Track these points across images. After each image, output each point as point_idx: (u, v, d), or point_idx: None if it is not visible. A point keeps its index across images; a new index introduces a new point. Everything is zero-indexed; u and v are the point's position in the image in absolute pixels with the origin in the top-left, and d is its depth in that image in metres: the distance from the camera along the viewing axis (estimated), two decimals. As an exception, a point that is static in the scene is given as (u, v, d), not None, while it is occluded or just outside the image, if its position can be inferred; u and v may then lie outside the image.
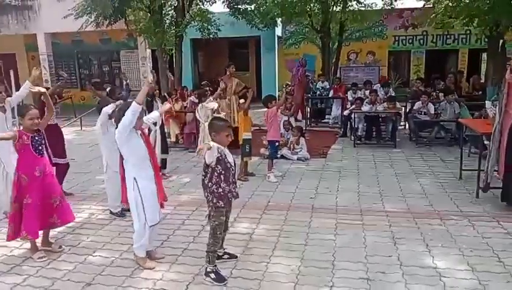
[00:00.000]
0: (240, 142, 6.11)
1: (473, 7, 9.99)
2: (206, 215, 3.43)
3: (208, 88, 8.22)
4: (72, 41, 16.81)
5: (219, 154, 3.23)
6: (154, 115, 4.14)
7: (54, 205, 3.81)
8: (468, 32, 14.95)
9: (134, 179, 3.43)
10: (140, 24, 11.22)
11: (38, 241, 3.85)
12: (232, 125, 7.89)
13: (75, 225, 4.51)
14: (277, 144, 6.17)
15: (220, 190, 3.28)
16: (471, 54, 15.74)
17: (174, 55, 11.41)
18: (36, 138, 3.60)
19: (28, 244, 3.86)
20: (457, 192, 5.41)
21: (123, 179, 3.65)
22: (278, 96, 9.82)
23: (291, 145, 7.39)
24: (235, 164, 3.43)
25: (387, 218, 4.58)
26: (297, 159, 7.19)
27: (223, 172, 3.26)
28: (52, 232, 4.10)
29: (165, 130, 7.16)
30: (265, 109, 6.40)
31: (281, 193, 5.55)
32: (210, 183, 3.29)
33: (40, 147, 3.64)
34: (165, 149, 6.36)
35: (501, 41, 9.66)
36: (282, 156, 7.30)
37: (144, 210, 3.44)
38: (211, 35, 11.68)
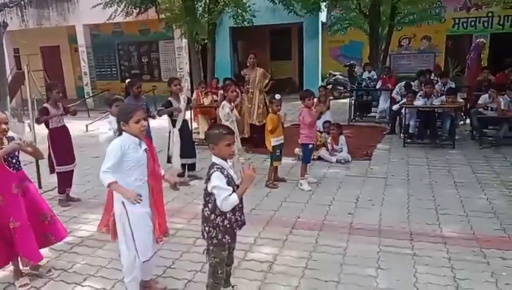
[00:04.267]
0: (269, 146, 5.30)
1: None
2: (204, 250, 2.72)
3: (232, 82, 7.44)
4: (112, 33, 16.70)
5: (226, 179, 2.51)
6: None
7: (46, 222, 3.28)
8: (542, 12, 13.04)
9: (123, 203, 2.74)
10: (172, 12, 10.64)
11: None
12: (251, 122, 7.22)
13: (74, 240, 4.02)
14: (311, 146, 5.30)
15: (226, 222, 2.59)
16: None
17: (207, 44, 10.74)
18: None
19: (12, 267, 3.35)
20: (538, 210, 4.32)
21: (109, 197, 2.99)
22: (321, 86, 8.89)
23: (330, 145, 6.49)
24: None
25: (446, 247, 3.63)
26: (337, 162, 6.29)
27: None
28: (46, 252, 3.58)
29: (191, 128, 6.46)
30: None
31: (313, 206, 4.72)
32: (213, 215, 2.57)
33: (14, 160, 3.06)
34: (189, 152, 5.68)
35: None
36: (320, 158, 6.43)
37: (134, 242, 2.75)
38: (246, 23, 10.86)
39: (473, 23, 14.83)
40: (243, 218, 2.70)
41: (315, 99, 5.38)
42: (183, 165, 5.69)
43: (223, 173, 2.49)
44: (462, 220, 4.17)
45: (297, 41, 16.69)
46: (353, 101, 9.80)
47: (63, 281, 3.32)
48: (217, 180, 2.45)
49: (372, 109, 10.09)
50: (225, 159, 2.58)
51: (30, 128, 4.67)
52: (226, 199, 2.44)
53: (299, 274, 3.28)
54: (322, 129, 6.92)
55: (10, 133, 3.11)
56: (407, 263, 3.38)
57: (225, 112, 5.58)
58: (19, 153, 3.13)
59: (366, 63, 11.62)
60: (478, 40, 11.32)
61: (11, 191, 3.03)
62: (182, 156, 5.53)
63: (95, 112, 12.62)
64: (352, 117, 9.61)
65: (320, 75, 15.16)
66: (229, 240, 2.64)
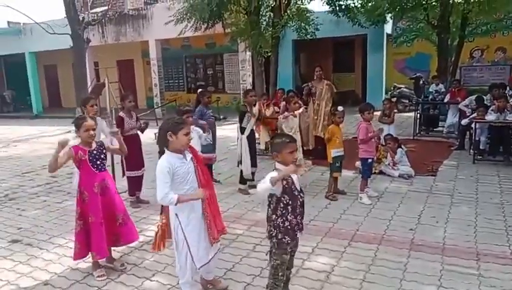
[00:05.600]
0: (329, 156, 5.35)
1: None
2: (267, 252, 2.86)
3: (295, 94, 7.57)
4: (181, 46, 17.67)
5: (285, 182, 2.65)
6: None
7: (117, 223, 3.60)
8: None
9: (176, 215, 2.93)
10: (237, 26, 11.09)
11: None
12: (316, 133, 7.25)
13: (145, 239, 4.34)
14: (370, 160, 5.26)
15: (287, 223, 2.72)
16: None
17: (270, 57, 11.02)
18: (94, 152, 3.41)
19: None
20: None
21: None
22: (386, 99, 8.73)
23: (392, 159, 6.35)
24: (302, 192, 2.81)
25: (516, 270, 3.44)
26: (399, 176, 6.15)
27: (290, 202, 2.71)
28: (122, 248, 3.93)
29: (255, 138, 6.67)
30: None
31: (373, 220, 4.68)
32: (274, 216, 2.73)
33: (99, 162, 3.43)
34: (253, 161, 5.88)
35: None
36: (382, 172, 6.33)
37: (188, 247, 2.93)
38: (309, 36, 11.00)
39: (555, 33, 13.71)
40: (304, 223, 2.81)
41: (376, 113, 5.34)
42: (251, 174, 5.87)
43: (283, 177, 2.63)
44: (537, 244, 3.91)
45: (361, 53, 16.49)
46: (418, 114, 9.48)
47: (134, 275, 3.63)
48: (268, 176, 2.55)
49: (440, 123, 9.68)
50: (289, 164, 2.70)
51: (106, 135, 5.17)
52: (261, 187, 2.56)
53: (357, 286, 3.29)
54: (383, 141, 6.80)
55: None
56: (472, 284, 3.26)
57: (288, 124, 5.70)
58: (105, 155, 3.51)
59: (433, 76, 11.20)
60: None
61: (93, 189, 3.40)
62: (249, 164, 5.74)
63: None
64: (417, 131, 9.30)
65: (384, 88, 14.83)
66: (289, 241, 2.74)
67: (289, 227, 2.72)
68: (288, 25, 11.23)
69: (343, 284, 3.32)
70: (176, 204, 2.82)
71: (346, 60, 17.29)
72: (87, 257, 3.62)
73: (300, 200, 2.76)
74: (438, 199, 5.22)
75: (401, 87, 13.48)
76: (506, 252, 3.77)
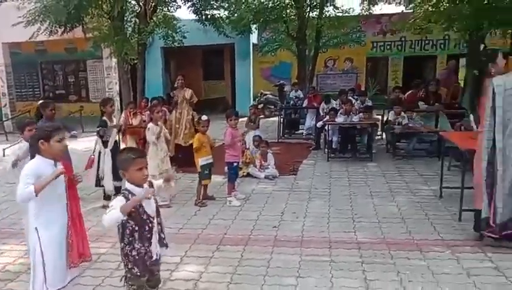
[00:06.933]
0: (197, 165, 5.38)
1: (453, 11, 9.65)
2: (122, 277, 2.62)
3: (160, 102, 7.48)
4: (35, 51, 15.86)
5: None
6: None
7: None
8: (446, 37, 14.65)
9: (36, 229, 2.65)
10: (100, 31, 10.43)
11: None
12: (177, 142, 7.27)
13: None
14: (236, 164, 5.48)
15: (135, 252, 2.47)
16: (449, 60, 15.45)
17: (136, 64, 10.64)
18: None
19: None
20: (437, 214, 4.82)
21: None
22: (252, 105, 9.17)
23: (259, 161, 6.72)
24: (158, 213, 2.64)
25: (360, 252, 3.94)
26: (265, 178, 6.52)
27: (136, 229, 2.45)
28: None
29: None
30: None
31: (241, 221, 4.86)
32: (122, 244, 2.50)
33: None
34: (118, 175, 5.54)
35: (482, 46, 9.26)
36: (249, 174, 6.63)
37: (43, 268, 2.64)
38: (176, 43, 10.97)
39: (388, 47, 16.23)
40: (159, 252, 2.65)
41: (242, 119, 5.59)
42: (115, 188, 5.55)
43: (127, 199, 2.38)
44: (375, 227, 4.54)
45: (230, 61, 17.08)
46: (282, 119, 10.23)
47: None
48: (116, 202, 2.35)
49: (301, 126, 10.58)
50: (139, 185, 2.47)
51: None
52: (109, 217, 2.31)
53: (224, 289, 3.37)
54: (252, 145, 7.13)
55: None
56: (325, 270, 3.62)
57: (151, 135, 5.53)
58: None
59: (294, 83, 12.20)
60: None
61: None
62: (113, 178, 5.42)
63: (14, 135, 11.82)
64: (281, 134, 10.02)
65: (252, 95, 15.58)
66: (139, 273, 2.49)
67: (137, 257, 2.46)
68: (155, 32, 11.01)
69: None
70: (35, 193, 2.52)
71: (216, 68, 17.70)
72: None
73: (150, 225, 2.50)
74: (298, 196, 5.70)
75: (267, 94, 14.36)
76: (353, 237, 4.29)
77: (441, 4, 10.17)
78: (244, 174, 6.60)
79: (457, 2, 9.43)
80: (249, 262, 3.81)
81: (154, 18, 10.75)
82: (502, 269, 3.50)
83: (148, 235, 2.50)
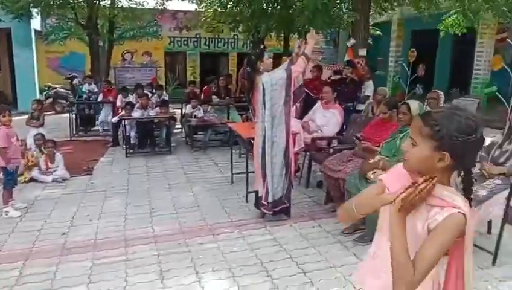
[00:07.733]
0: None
1: (237, 13, 10.65)
2: None
3: None
4: None
5: None
6: None
7: None
8: (236, 37, 16.04)
9: None
10: None
11: None
12: None
13: None
14: (13, 168, 4.70)
15: None
16: (240, 57, 17.07)
17: None
18: None
19: None
20: (229, 198, 5.27)
21: None
22: (35, 100, 7.98)
23: (44, 164, 5.95)
24: None
25: (156, 245, 3.95)
26: (53, 181, 5.83)
27: None
28: None
29: None
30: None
31: (20, 234, 4.21)
32: None
33: None
34: None
35: (262, 46, 10.53)
36: (32, 179, 5.81)
37: None
38: None
39: (186, 42, 16.77)
40: None
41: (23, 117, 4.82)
42: None
43: None
44: (173, 218, 4.63)
45: (7, 49, 14.48)
46: (74, 115, 9.35)
47: None
48: None
49: (97, 122, 9.88)
50: None
51: None
52: None
53: (-7, 316, 2.86)
54: (33, 145, 6.28)
55: None
56: (119, 270, 3.48)
57: None
58: None
59: (87, 76, 11.29)
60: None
61: None
62: None
63: None
64: (75, 132, 9.15)
65: (37, 88, 13.66)
66: None
67: None
68: None
69: (-24, 321, 2.81)
70: None
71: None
72: None
73: None
74: (93, 197, 5.31)
75: (56, 88, 12.83)
76: (149, 232, 4.26)
77: (229, 5, 11.10)
78: (27, 179, 5.75)
79: (241, 4, 10.46)
80: (29, 279, 3.34)
81: None
82: (277, 239, 4.08)
83: None
